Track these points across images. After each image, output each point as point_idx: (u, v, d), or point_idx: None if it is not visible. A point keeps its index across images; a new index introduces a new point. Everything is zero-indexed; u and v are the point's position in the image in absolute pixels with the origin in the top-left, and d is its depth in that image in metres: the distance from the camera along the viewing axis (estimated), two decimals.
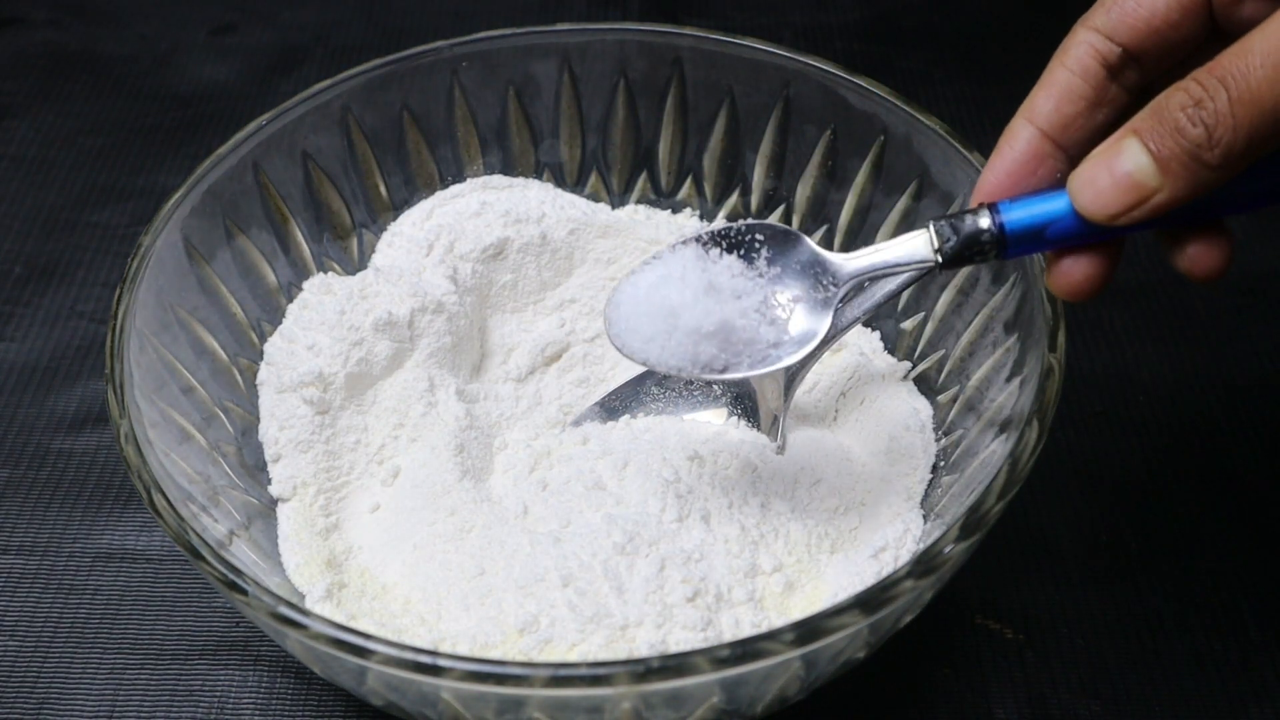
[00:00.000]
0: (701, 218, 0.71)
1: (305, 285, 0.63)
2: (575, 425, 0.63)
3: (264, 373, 0.60)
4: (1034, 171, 0.46)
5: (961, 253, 0.47)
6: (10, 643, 0.59)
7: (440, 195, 0.68)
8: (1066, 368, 0.50)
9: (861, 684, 0.56)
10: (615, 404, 0.63)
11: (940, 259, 0.47)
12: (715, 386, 0.62)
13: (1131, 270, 0.75)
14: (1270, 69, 0.37)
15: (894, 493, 0.57)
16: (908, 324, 0.64)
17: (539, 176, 0.71)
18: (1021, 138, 0.46)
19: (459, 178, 0.69)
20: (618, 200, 0.72)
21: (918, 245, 0.48)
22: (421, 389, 0.61)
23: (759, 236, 0.51)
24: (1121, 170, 0.41)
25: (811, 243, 0.51)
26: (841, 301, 0.51)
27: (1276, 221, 0.78)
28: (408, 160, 0.68)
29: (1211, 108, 0.39)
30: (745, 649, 0.42)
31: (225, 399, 0.59)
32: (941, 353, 0.61)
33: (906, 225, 0.64)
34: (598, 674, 0.41)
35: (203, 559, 0.46)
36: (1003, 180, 0.46)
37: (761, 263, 0.51)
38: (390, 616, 0.54)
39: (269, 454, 0.58)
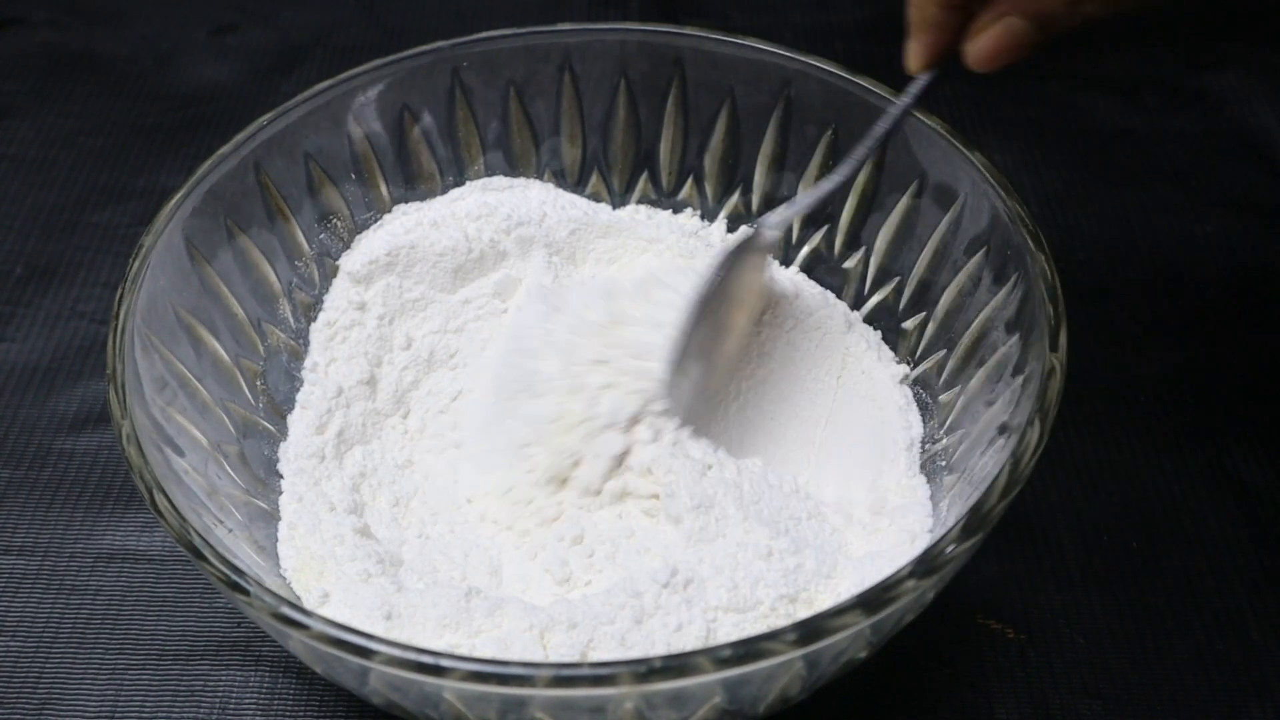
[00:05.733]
0: (703, 217, 0.71)
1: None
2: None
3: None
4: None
5: None
6: (12, 643, 0.59)
7: (442, 197, 0.68)
8: (1066, 368, 0.50)
9: (863, 684, 0.56)
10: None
11: None
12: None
13: (1131, 270, 0.75)
14: None
15: (896, 493, 0.57)
16: (909, 324, 0.64)
17: (540, 177, 0.71)
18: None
19: (460, 178, 0.69)
20: (619, 200, 0.72)
21: None
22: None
23: None
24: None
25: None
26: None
27: (1277, 222, 0.78)
28: (409, 160, 0.68)
29: None
30: (747, 649, 0.42)
31: (227, 399, 0.59)
32: (943, 353, 0.61)
33: (908, 226, 0.64)
34: (600, 674, 0.41)
35: (205, 559, 0.46)
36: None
37: None
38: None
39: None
